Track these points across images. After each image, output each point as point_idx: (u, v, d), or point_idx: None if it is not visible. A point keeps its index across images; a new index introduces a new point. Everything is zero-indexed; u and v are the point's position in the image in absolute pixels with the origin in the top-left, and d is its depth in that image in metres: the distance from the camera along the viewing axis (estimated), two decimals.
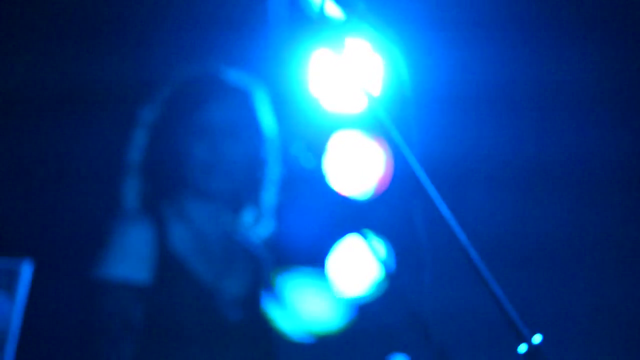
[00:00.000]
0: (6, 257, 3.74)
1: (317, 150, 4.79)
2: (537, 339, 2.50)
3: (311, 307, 5.28)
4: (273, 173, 4.11)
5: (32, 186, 6.26)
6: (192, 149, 3.99)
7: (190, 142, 4.00)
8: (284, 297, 5.06)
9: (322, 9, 3.09)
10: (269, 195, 4.10)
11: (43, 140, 6.38)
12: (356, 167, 5.06)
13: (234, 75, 4.08)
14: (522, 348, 2.53)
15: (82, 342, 3.91)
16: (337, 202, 4.91)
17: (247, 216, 4.09)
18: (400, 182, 4.87)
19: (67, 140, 6.22)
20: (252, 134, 4.05)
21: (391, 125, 2.63)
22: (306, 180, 4.55)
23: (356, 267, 5.25)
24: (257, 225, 4.11)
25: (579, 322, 5.85)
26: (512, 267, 5.00)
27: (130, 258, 3.88)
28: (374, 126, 4.71)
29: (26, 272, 3.71)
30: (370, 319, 5.27)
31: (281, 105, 4.16)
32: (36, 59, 6.87)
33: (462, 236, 2.54)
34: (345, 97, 4.26)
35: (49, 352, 4.31)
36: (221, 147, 4.01)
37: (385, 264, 4.33)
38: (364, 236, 4.68)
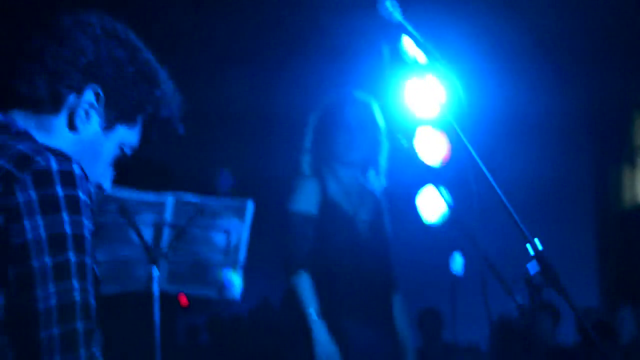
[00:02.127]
0: (239, 199, 4.12)
1: (410, 138, 4.93)
2: (538, 244, 2.58)
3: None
4: (385, 150, 4.37)
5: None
6: (338, 137, 4.30)
7: (336, 134, 4.31)
8: None
9: (413, 55, 3.11)
10: (383, 163, 4.37)
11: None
12: (431, 147, 5.32)
13: (360, 94, 4.37)
14: (530, 250, 2.59)
15: (280, 245, 4.23)
16: (422, 165, 5.08)
17: (371, 174, 4.38)
18: (457, 155, 4.94)
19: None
20: (372, 127, 4.32)
21: (453, 123, 2.80)
22: (405, 155, 4.63)
23: (432, 204, 5.53)
24: (377, 180, 4.38)
25: None
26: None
27: (305, 200, 4.25)
28: (443, 125, 4.61)
29: (249, 207, 4.11)
30: (439, 232, 5.50)
31: (390, 112, 4.41)
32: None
33: (494, 184, 2.66)
34: (425, 107, 4.24)
35: (258, 252, 4.45)
36: (354, 136, 4.30)
37: (449, 203, 4.24)
38: (437, 187, 4.89)
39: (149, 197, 4.04)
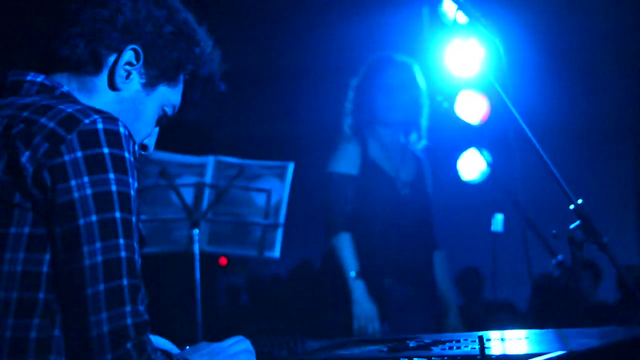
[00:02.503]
0: (280, 161, 4.17)
1: (450, 98, 4.96)
2: (579, 200, 2.70)
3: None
4: (426, 110, 4.42)
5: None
6: (379, 99, 4.33)
7: (377, 95, 4.34)
8: None
9: (454, 18, 3.38)
10: (424, 123, 4.42)
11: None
12: (471, 106, 5.30)
13: (400, 57, 4.40)
14: (572, 207, 2.70)
15: (321, 206, 4.28)
16: (462, 125, 5.13)
17: (413, 135, 4.43)
18: (498, 115, 5.04)
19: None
20: (412, 88, 4.35)
21: (494, 82, 2.86)
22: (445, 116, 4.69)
23: (473, 164, 5.54)
24: (419, 140, 4.44)
25: None
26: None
27: (346, 161, 4.31)
28: (483, 85, 4.91)
29: (290, 168, 4.17)
30: (479, 191, 5.57)
31: (430, 73, 4.41)
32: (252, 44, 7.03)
33: (536, 142, 2.79)
34: (465, 68, 4.19)
35: (298, 204, 4.47)
36: (395, 97, 4.33)
37: (489, 162, 4.58)
38: (478, 147, 4.96)
39: (190, 159, 4.10)
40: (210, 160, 4.10)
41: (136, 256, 1.73)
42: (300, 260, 9.62)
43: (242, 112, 7.98)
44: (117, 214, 1.70)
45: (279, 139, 7.48)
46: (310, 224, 4.55)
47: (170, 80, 1.97)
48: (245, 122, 8.51)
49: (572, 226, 2.67)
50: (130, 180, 1.74)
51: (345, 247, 4.16)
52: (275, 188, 4.11)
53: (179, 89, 2.01)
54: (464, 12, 3.08)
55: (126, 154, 1.73)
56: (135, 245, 1.74)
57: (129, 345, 1.67)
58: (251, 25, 7.19)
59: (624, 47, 7.79)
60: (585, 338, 1.91)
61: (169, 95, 1.99)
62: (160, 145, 2.22)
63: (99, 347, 1.65)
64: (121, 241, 1.70)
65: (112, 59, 1.91)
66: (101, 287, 1.67)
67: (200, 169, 4.09)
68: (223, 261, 10.25)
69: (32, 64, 1.92)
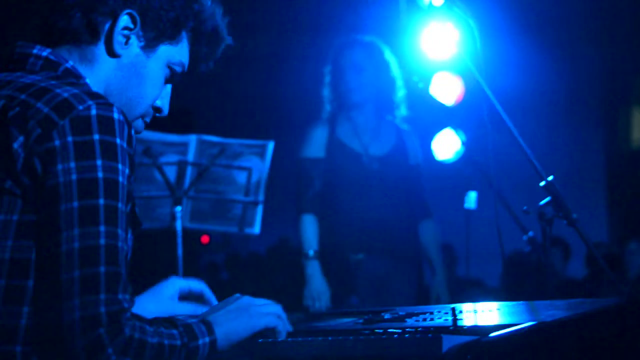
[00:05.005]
0: (260, 140, 4.20)
1: (426, 80, 4.95)
2: (550, 177, 2.69)
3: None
4: (397, 85, 4.42)
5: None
6: (342, 82, 4.39)
7: (341, 78, 4.39)
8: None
9: (430, 0, 3.24)
10: (399, 95, 4.42)
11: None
12: (446, 88, 5.36)
13: (367, 38, 4.42)
14: (543, 183, 2.70)
15: (295, 190, 4.39)
16: (437, 106, 5.08)
17: (390, 107, 4.45)
18: (472, 96, 5.10)
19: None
20: (374, 67, 4.37)
21: (469, 63, 2.88)
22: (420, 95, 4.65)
23: (448, 143, 5.57)
24: (394, 114, 4.47)
25: None
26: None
27: (312, 146, 4.40)
28: (458, 68, 4.94)
29: (270, 147, 4.20)
30: (453, 170, 5.57)
31: (407, 55, 4.38)
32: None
33: (509, 121, 2.78)
34: (440, 51, 4.03)
35: (278, 183, 4.54)
36: (354, 78, 4.38)
37: (462, 140, 4.58)
38: (452, 126, 4.99)
39: (173, 138, 4.12)
40: (192, 139, 4.12)
41: (120, 243, 1.69)
42: (278, 238, 9.65)
43: (224, 93, 7.96)
44: (101, 201, 1.67)
45: (260, 119, 7.49)
46: (289, 202, 4.58)
47: (171, 38, 1.94)
48: (227, 102, 8.50)
49: (542, 202, 2.68)
50: (120, 166, 1.70)
51: (307, 227, 4.28)
52: (255, 166, 4.14)
53: (183, 45, 1.98)
54: None
55: (117, 140, 1.71)
56: (120, 232, 1.70)
57: (101, 330, 1.64)
58: (232, 8, 7.22)
59: (596, 23, 7.84)
60: (554, 310, 1.91)
61: (173, 54, 1.96)
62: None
63: (70, 332, 1.63)
64: (102, 228, 1.66)
65: (108, 26, 1.88)
66: (76, 273, 1.65)
67: (183, 147, 4.11)
68: (205, 239, 10.29)
69: (36, 38, 1.90)
